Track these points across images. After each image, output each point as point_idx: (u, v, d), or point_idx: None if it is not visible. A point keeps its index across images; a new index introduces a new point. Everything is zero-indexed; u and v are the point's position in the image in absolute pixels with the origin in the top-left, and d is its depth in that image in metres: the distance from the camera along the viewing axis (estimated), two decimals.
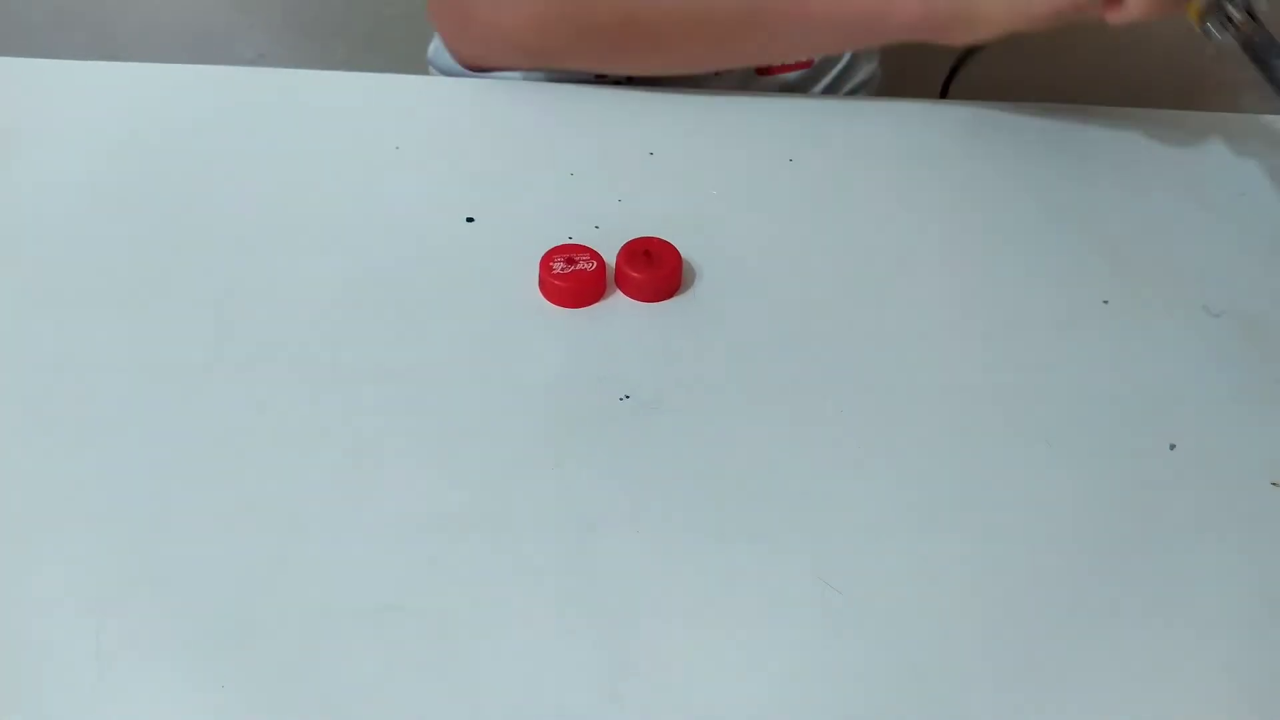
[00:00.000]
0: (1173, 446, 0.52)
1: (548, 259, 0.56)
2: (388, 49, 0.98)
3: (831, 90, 0.80)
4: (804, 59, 0.75)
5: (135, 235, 0.58)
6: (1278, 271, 0.61)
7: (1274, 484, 0.51)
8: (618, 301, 0.56)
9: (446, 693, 0.42)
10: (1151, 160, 0.68)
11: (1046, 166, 0.67)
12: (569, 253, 0.57)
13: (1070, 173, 0.66)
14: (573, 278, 0.56)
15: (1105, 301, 0.59)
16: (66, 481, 0.47)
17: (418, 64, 0.79)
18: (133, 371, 0.51)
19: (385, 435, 0.50)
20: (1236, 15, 0.59)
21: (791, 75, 0.77)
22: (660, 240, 0.58)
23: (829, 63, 0.78)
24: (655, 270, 0.56)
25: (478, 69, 0.71)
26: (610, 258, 0.57)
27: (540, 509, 0.47)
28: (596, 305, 0.56)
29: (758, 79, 0.76)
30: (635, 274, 0.56)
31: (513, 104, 0.68)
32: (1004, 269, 0.60)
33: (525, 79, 0.69)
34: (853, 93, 0.81)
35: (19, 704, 0.40)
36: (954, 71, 0.73)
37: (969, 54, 0.71)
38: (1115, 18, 0.58)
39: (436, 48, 0.78)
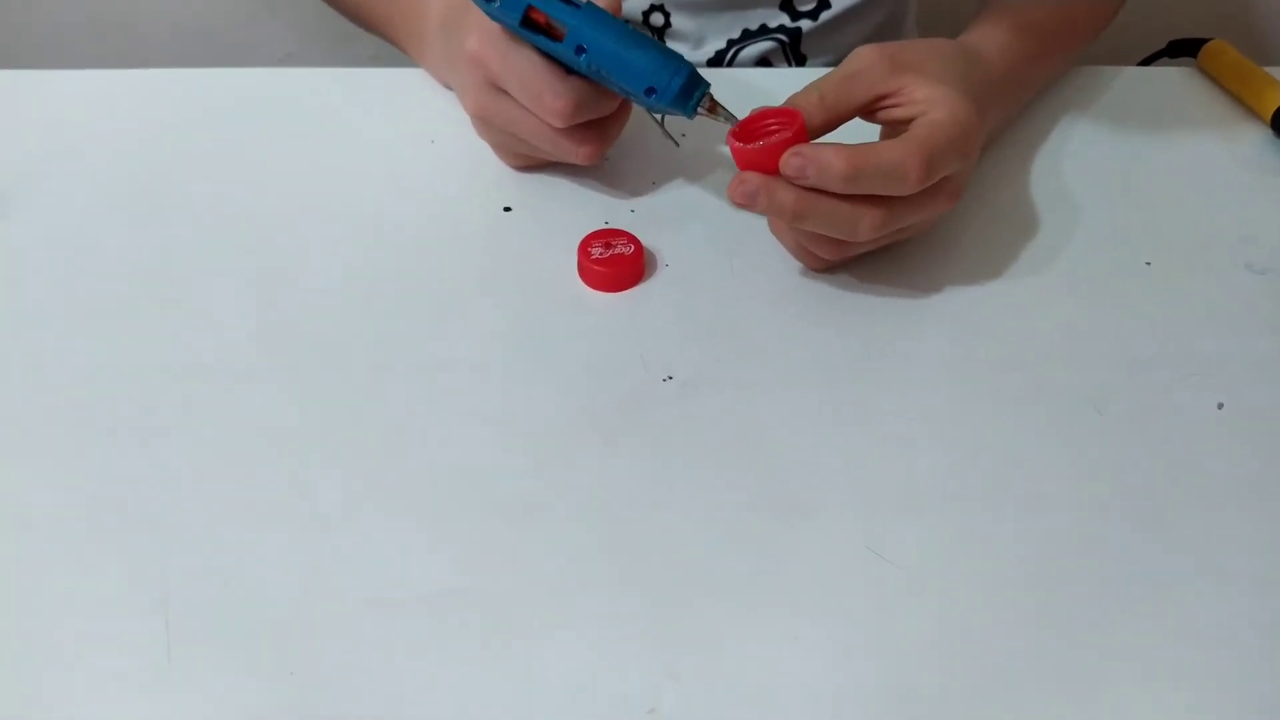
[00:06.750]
0: (1220, 406, 0.52)
1: (585, 244, 0.57)
2: None
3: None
4: None
5: (169, 240, 0.58)
6: None
7: None
8: (656, 283, 0.57)
9: (503, 676, 0.42)
10: (1190, 118, 0.67)
11: (1083, 126, 0.66)
12: (606, 237, 0.57)
13: (1107, 133, 0.66)
14: (611, 262, 0.56)
15: (1147, 263, 0.58)
16: (122, 483, 0.48)
17: None
18: (176, 373, 0.52)
19: (432, 426, 0.50)
20: None
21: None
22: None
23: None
24: None
25: None
26: (647, 240, 0.57)
27: (590, 492, 0.48)
28: (635, 289, 0.56)
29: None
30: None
31: None
32: (1044, 233, 0.60)
33: None
34: (882, 35, 0.79)
35: (93, 695, 0.42)
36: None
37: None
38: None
39: None
